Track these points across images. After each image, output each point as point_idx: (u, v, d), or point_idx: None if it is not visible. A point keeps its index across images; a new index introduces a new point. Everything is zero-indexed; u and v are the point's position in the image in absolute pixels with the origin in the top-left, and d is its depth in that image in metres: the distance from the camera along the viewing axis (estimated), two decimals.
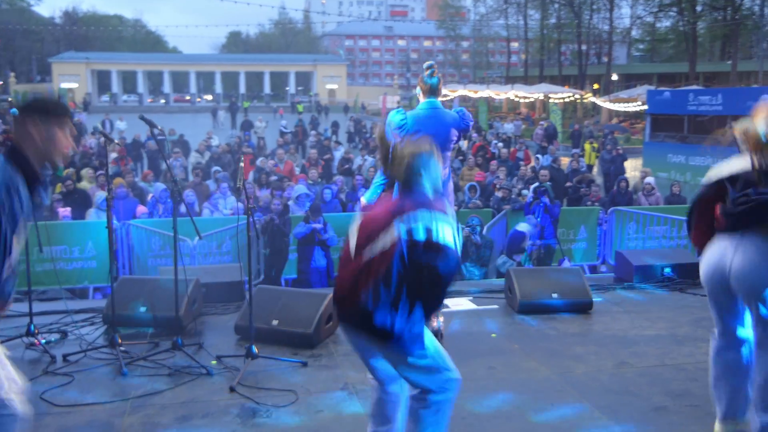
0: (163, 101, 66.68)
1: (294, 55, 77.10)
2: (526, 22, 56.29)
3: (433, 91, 5.24)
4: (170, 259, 10.91)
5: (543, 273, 6.35)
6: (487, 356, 4.99)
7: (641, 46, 63.79)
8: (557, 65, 56.63)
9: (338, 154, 19.57)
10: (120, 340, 4.89)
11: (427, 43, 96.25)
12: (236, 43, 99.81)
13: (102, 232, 10.77)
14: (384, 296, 2.94)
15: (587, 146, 22.93)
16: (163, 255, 10.95)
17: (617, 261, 7.33)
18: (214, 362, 4.82)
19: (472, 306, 6.21)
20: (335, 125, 33.69)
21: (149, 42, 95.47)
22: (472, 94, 50.73)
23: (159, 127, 4.67)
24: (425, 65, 5.29)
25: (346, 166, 17.32)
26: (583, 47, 52.95)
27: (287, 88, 71.28)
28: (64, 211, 11.20)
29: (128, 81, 72.83)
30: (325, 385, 4.47)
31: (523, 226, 9.89)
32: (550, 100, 45.40)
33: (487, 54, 71.22)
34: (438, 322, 5.50)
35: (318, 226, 9.88)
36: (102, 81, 69.93)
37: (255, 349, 4.68)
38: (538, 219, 11.36)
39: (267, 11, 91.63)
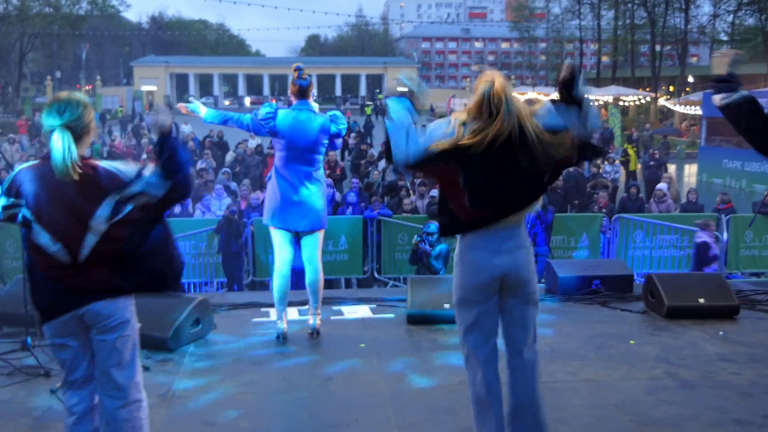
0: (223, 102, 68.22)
1: (364, 57, 77.62)
2: (599, 23, 54.78)
3: (302, 93, 5.22)
4: None
5: (440, 282, 6.12)
6: (335, 366, 4.85)
7: (726, 47, 61.02)
8: (631, 67, 54.89)
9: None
10: None
11: (504, 45, 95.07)
12: (314, 46, 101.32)
13: None
14: None
15: (630, 151, 22.09)
16: None
17: (546, 271, 7.01)
18: None
19: (367, 314, 6.06)
20: None
21: (232, 46, 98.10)
22: (543, 97, 49.82)
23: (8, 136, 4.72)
24: (294, 67, 5.24)
25: (369, 168, 17.34)
26: (661, 48, 51.13)
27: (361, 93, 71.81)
28: None
29: (206, 84, 75.05)
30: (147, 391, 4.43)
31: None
32: (620, 103, 44.08)
33: (563, 56, 69.66)
34: (314, 320, 5.41)
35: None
36: (180, 84, 72.31)
37: None
38: (529, 226, 11.04)
39: (347, 14, 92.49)
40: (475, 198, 2.93)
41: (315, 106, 5.23)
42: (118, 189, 2.78)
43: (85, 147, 2.90)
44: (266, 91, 72.25)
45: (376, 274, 11.36)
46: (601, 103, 46.71)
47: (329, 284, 10.89)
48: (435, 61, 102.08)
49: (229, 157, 18.59)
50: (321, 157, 5.24)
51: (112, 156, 19.15)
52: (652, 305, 6.11)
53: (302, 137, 5.10)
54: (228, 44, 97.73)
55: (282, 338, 5.30)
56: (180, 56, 74.24)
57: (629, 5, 52.64)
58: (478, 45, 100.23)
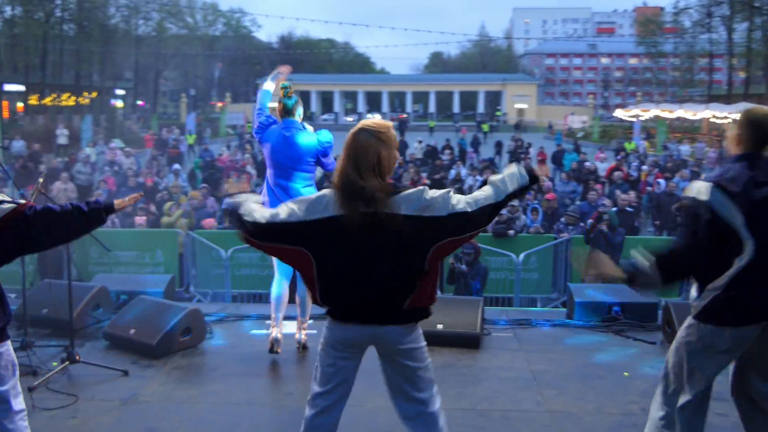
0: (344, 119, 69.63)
1: (483, 74, 77.13)
2: (731, 36, 51.87)
3: (288, 112, 5.22)
4: (229, 269, 11.48)
5: (440, 301, 5.97)
6: (303, 381, 4.84)
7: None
8: (766, 82, 51.53)
9: (463, 173, 19.51)
10: None
11: (633, 61, 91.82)
12: (437, 63, 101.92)
13: (169, 240, 11.71)
14: None
15: None
16: (222, 265, 11.58)
17: (567, 295, 6.70)
18: (55, 364, 5.13)
19: None
20: (498, 145, 33.35)
21: (357, 63, 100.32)
22: (667, 114, 47.71)
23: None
24: (281, 85, 5.29)
25: (457, 185, 17.24)
26: None
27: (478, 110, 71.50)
28: (140, 219, 12.23)
29: (327, 101, 77.16)
30: (114, 394, 4.61)
31: None
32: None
33: (694, 71, 66.44)
34: (300, 333, 5.42)
35: None
36: (303, 100, 74.56)
37: (76, 355, 4.96)
38: (592, 249, 10.60)
39: (471, 31, 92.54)
40: None
41: (309, 127, 5.25)
42: None
43: None
44: (385, 107, 73.28)
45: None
46: (730, 120, 44.18)
47: None
48: (559, 78, 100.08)
49: (319, 172, 18.91)
50: (308, 175, 5.22)
51: (213, 169, 19.98)
52: (669, 336, 5.70)
53: (285, 155, 5.12)
54: (353, 62, 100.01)
55: (275, 344, 5.22)
56: (302, 74, 76.72)
57: (765, 17, 49.52)
58: (604, 61, 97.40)
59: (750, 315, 2.96)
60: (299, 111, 5.28)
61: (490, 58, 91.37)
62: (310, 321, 5.58)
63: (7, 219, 2.82)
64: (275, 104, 5.31)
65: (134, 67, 61.91)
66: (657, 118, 47.93)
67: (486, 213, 2.80)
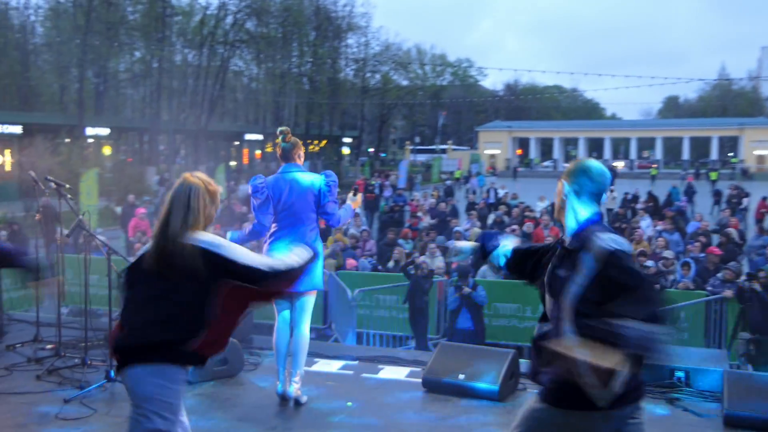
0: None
1: (718, 119, 71.52)
2: None
3: (285, 156, 5.18)
4: (355, 309, 11.71)
5: (470, 351, 5.77)
6: (298, 416, 4.96)
7: None
8: None
9: (644, 224, 18.35)
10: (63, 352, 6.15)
11: None
12: (671, 108, 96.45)
13: None
14: None
15: None
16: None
17: None
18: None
19: (399, 376, 5.94)
20: (717, 194, 31.07)
21: (585, 110, 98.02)
22: None
23: (65, 186, 5.77)
24: (278, 131, 5.21)
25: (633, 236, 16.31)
26: None
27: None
28: None
29: (547, 147, 76.14)
30: (126, 411, 5.03)
31: None
32: None
33: None
34: (290, 387, 5.15)
35: (467, 289, 9.90)
36: (522, 148, 74.45)
37: (113, 374, 5.51)
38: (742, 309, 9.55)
39: (711, 75, 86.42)
40: None
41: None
42: None
43: None
44: (607, 154, 70.56)
45: None
46: None
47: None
48: None
49: (490, 219, 18.77)
50: (313, 216, 5.08)
51: (394, 212, 20.67)
52: (721, 411, 5.04)
53: (294, 199, 5.03)
54: (581, 108, 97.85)
55: (282, 398, 5.18)
56: (522, 121, 76.55)
57: None
58: None
59: None
60: (299, 154, 5.19)
61: (731, 101, 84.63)
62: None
63: None
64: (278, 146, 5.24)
65: (361, 116, 65.81)
66: None
67: (250, 275, 2.98)
